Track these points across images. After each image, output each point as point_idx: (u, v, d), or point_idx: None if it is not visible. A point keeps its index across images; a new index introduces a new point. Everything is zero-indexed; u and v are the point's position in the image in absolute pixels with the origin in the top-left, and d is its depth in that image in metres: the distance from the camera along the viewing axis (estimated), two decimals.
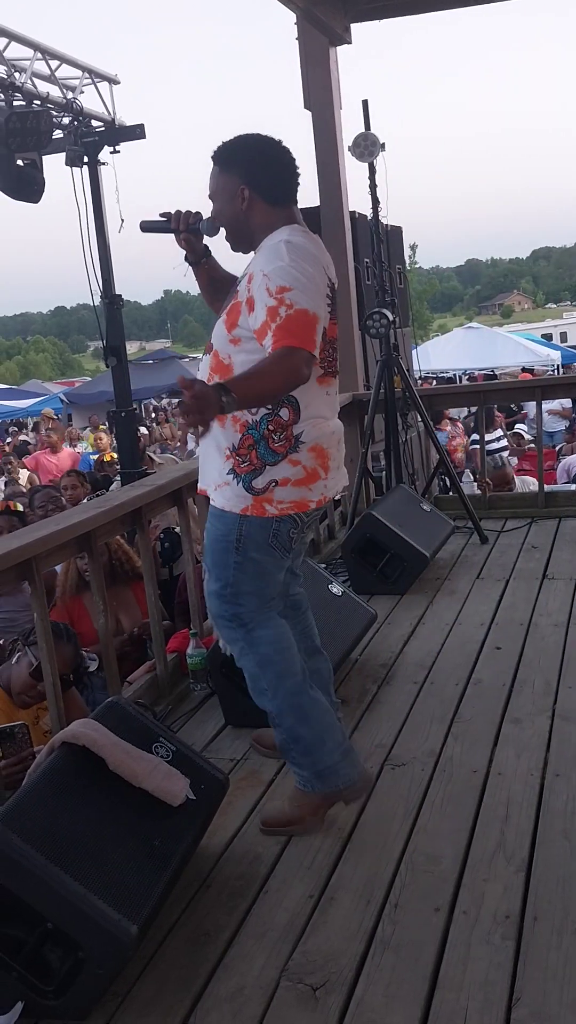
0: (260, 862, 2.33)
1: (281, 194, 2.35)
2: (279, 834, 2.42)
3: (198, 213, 2.47)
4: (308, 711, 2.42)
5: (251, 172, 2.31)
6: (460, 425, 10.28)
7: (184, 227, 2.48)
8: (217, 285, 2.56)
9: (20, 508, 6.62)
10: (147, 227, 2.55)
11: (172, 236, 2.51)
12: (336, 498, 2.57)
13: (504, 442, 8.64)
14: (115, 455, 9.87)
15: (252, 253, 2.36)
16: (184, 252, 2.57)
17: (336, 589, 3.61)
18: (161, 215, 2.51)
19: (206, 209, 2.45)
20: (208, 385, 2.05)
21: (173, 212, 2.49)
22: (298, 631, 2.60)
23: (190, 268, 2.59)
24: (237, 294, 2.31)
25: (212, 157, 2.37)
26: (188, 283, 2.59)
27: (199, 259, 2.57)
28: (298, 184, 2.39)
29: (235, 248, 2.43)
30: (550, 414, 10.65)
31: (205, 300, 2.62)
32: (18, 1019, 1.84)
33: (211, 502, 2.42)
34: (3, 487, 10.71)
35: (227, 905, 2.17)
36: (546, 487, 5.75)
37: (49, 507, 5.72)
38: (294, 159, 2.38)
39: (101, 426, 14.93)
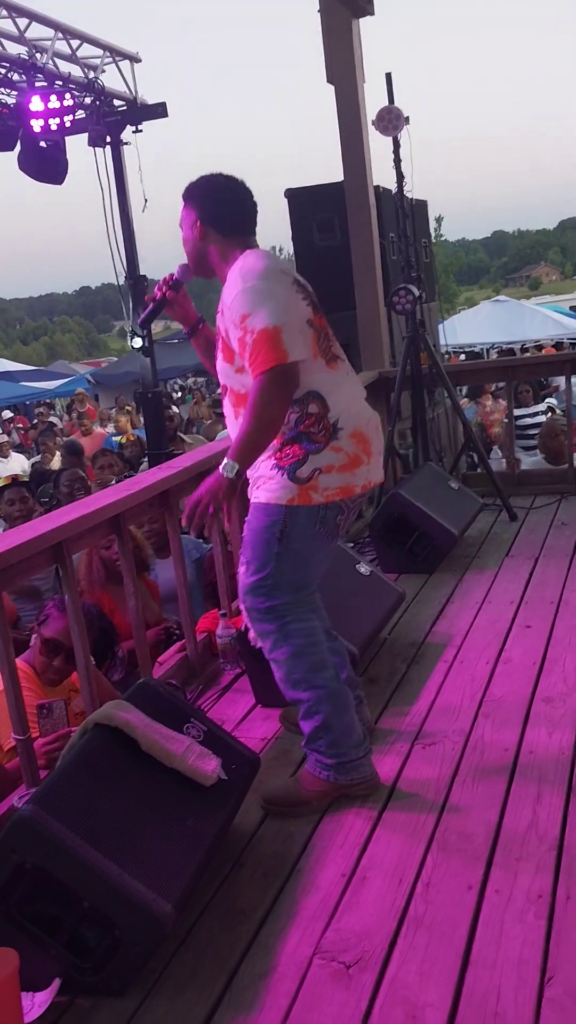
0: (292, 841, 2.35)
1: (232, 226, 2.49)
2: (279, 812, 2.47)
3: (171, 273, 2.67)
4: (342, 702, 2.47)
5: (205, 207, 2.49)
6: (502, 401, 10.16)
7: (167, 288, 2.67)
8: (213, 346, 2.63)
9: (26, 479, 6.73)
10: (146, 321, 2.80)
11: (165, 308, 2.71)
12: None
13: (542, 418, 8.50)
14: (133, 436, 9.92)
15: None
16: (180, 326, 2.79)
17: (364, 569, 3.60)
18: (146, 299, 2.74)
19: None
20: (205, 482, 2.28)
21: (153, 292, 2.71)
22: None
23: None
24: (219, 331, 2.45)
25: (182, 195, 2.55)
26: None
27: (195, 325, 2.76)
28: (254, 218, 2.54)
29: (198, 273, 2.60)
30: None
31: (205, 367, 2.76)
32: (56, 995, 1.87)
33: (253, 499, 2.47)
34: (27, 469, 10.81)
35: (260, 884, 2.20)
36: None
37: (76, 487, 5.75)
38: (250, 195, 2.53)
39: (128, 407, 14.98)
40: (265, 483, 2.43)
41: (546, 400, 9.23)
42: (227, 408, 2.55)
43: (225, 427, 2.69)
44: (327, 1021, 1.77)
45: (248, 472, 2.45)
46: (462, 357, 15.51)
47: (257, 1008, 1.82)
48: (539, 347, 15.92)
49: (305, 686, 2.46)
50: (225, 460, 2.28)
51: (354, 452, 2.42)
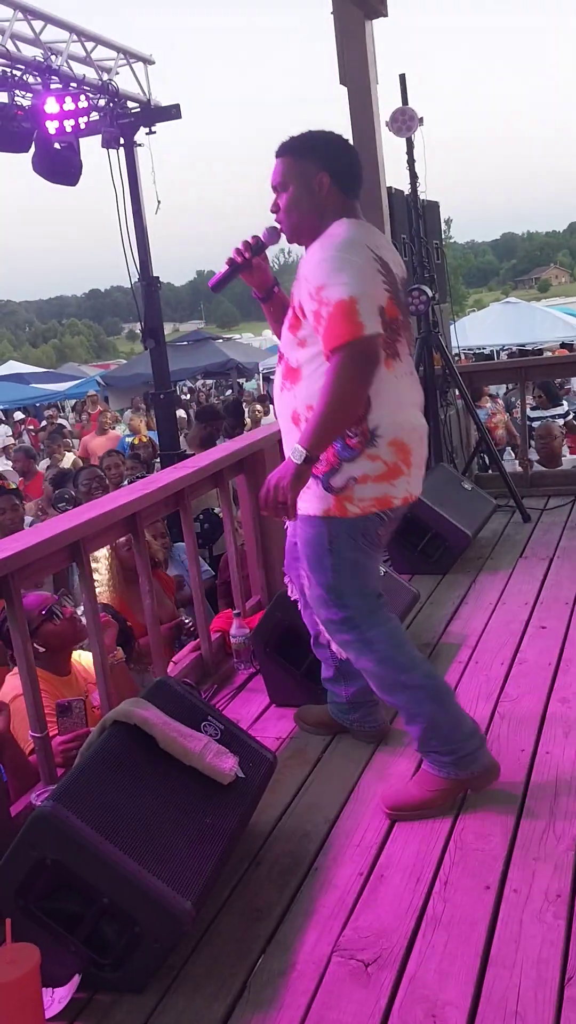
0: (309, 840, 2.35)
1: (351, 184, 2.37)
2: (407, 818, 2.36)
3: (255, 236, 2.51)
4: (444, 697, 2.39)
5: (330, 160, 2.33)
6: (500, 401, 10.16)
7: (250, 253, 2.51)
8: (285, 313, 2.49)
9: (14, 486, 6.76)
10: (219, 284, 2.59)
11: (241, 272, 2.55)
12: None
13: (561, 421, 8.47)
14: (146, 437, 9.94)
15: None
16: (254, 289, 2.62)
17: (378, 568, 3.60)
18: (226, 263, 2.55)
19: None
20: (276, 470, 2.20)
21: (231, 255, 2.53)
22: None
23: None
24: (293, 298, 2.34)
25: (282, 149, 2.38)
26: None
27: (269, 290, 2.62)
28: (361, 182, 2.41)
29: (295, 238, 2.41)
30: None
31: (274, 332, 2.61)
32: (76, 991, 1.88)
33: (299, 510, 2.35)
34: (44, 469, 10.83)
35: (278, 882, 2.20)
36: None
37: (94, 486, 5.77)
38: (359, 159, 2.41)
39: (140, 407, 15.01)
40: (305, 493, 2.31)
41: (564, 400, 9.22)
42: (276, 379, 2.45)
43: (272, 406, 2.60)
44: (347, 1019, 1.77)
45: None
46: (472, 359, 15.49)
47: (276, 1006, 1.82)
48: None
49: (400, 689, 2.37)
50: (295, 445, 2.18)
51: (393, 461, 2.29)
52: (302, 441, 2.18)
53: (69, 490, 6.04)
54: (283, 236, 2.47)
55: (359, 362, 2.16)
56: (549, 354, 13.45)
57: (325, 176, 2.32)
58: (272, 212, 2.44)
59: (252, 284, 2.61)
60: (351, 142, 2.42)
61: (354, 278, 2.17)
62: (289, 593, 2.78)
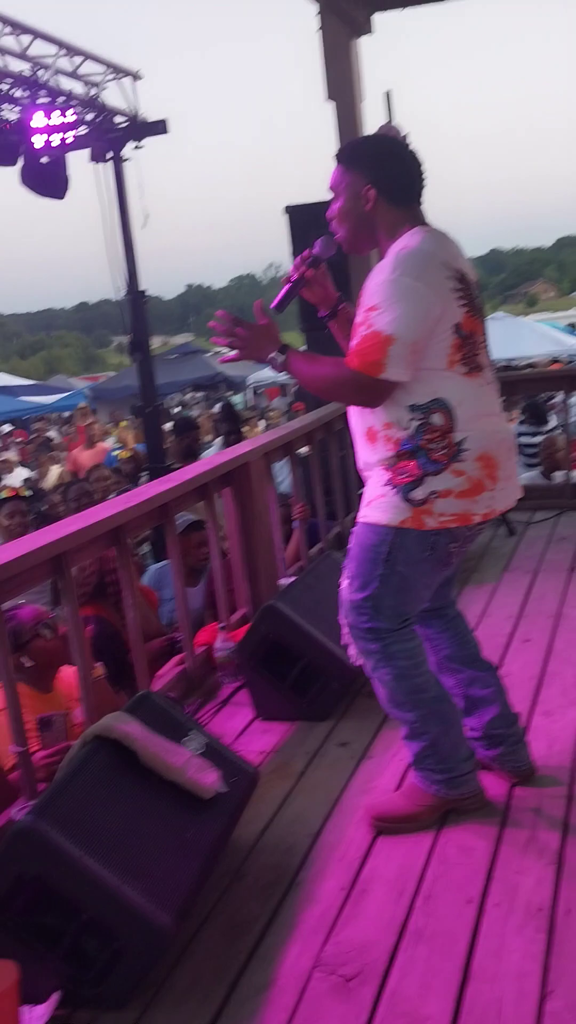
0: (292, 853, 2.34)
1: (404, 195, 2.30)
2: (390, 829, 2.37)
3: (308, 250, 2.44)
4: (451, 719, 2.38)
5: (376, 171, 2.27)
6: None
7: (305, 266, 2.44)
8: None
9: (29, 493, 6.84)
10: (281, 304, 2.46)
11: (301, 289, 2.47)
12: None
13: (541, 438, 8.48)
14: (128, 452, 9.94)
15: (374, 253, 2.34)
16: (319, 308, 2.54)
17: None
18: (283, 282, 2.47)
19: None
20: (271, 329, 2.35)
21: (289, 272, 2.48)
22: (451, 637, 2.55)
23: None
24: (357, 314, 2.27)
25: (338, 154, 2.35)
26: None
27: (334, 306, 2.54)
28: (423, 185, 2.34)
29: (352, 249, 2.37)
30: None
31: (343, 350, 2.42)
32: (56, 1008, 1.86)
33: (361, 518, 2.34)
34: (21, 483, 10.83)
35: (260, 897, 2.19)
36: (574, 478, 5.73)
37: (83, 501, 5.78)
38: (420, 161, 2.33)
39: (122, 422, 14.99)
40: (377, 501, 2.28)
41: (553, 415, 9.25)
42: None
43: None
44: None
45: (364, 490, 2.36)
46: None
47: (257, 1021, 1.81)
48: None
49: (409, 707, 2.36)
50: (285, 353, 2.32)
51: (477, 477, 2.24)
52: (294, 356, 2.33)
53: (39, 507, 6.11)
54: (339, 246, 2.40)
55: (356, 391, 2.23)
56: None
57: (371, 190, 2.26)
58: (328, 219, 2.39)
59: (314, 302, 2.54)
60: (405, 144, 2.37)
61: (406, 316, 2.13)
62: (349, 654, 2.48)
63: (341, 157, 2.34)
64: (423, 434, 2.22)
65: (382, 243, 2.30)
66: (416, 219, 2.31)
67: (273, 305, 2.50)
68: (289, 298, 2.46)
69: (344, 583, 2.39)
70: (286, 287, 2.45)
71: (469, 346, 2.25)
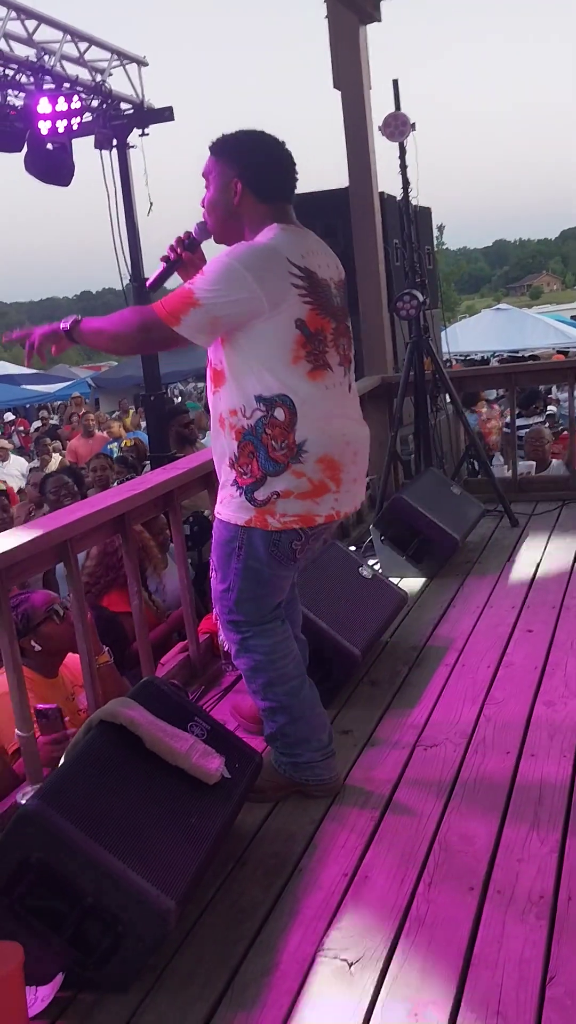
0: (294, 840, 2.35)
1: (272, 192, 2.31)
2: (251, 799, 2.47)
3: (187, 232, 2.48)
4: (299, 714, 2.48)
5: (244, 166, 2.29)
6: (496, 407, 10.16)
7: (183, 250, 2.48)
8: None
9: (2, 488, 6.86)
10: (155, 283, 2.56)
11: (178, 270, 2.52)
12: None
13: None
14: (130, 441, 9.93)
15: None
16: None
17: (366, 572, 3.61)
18: (160, 261, 2.53)
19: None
20: (47, 326, 2.38)
21: (166, 251, 2.52)
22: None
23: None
24: None
25: (210, 146, 2.35)
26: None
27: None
28: (294, 184, 2.36)
29: (220, 239, 2.39)
30: None
31: None
32: (59, 990, 1.88)
33: (216, 513, 2.41)
34: (26, 472, 10.83)
35: (263, 882, 2.20)
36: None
37: (62, 493, 5.73)
38: (292, 160, 2.35)
39: (130, 410, 14.98)
40: (226, 500, 2.35)
41: (549, 408, 9.26)
42: (207, 383, 2.40)
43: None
44: (329, 1019, 1.77)
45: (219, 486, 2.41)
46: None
47: (259, 1006, 1.82)
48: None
49: (261, 696, 2.49)
50: (74, 317, 2.34)
51: (319, 479, 2.26)
52: (85, 321, 2.33)
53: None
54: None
55: (146, 329, 2.23)
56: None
57: (238, 182, 2.28)
58: (201, 206, 2.40)
59: (184, 277, 2.51)
60: (279, 142, 2.34)
61: (220, 294, 2.16)
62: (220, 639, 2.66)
63: (213, 148, 2.35)
64: (264, 427, 2.23)
65: (247, 237, 2.29)
66: (282, 217, 2.31)
67: (148, 284, 2.59)
68: (164, 278, 2.54)
69: (211, 574, 2.46)
70: (162, 267, 2.52)
71: (315, 344, 2.25)
